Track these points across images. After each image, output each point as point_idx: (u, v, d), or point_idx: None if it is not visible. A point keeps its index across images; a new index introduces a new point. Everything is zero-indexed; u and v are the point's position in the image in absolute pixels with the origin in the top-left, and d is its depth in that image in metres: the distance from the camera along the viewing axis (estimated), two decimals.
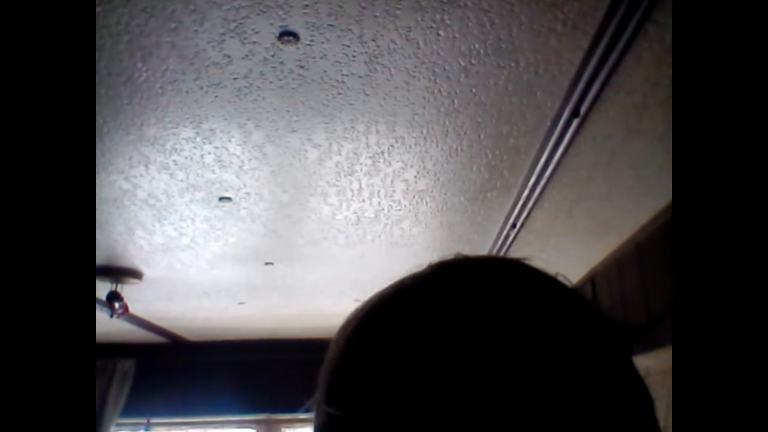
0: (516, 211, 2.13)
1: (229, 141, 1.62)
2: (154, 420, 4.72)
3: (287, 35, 1.19)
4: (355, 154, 1.71)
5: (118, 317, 3.00)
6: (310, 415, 0.37)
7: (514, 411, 0.30)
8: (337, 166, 1.78)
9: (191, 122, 1.52)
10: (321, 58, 1.26)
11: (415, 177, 1.87)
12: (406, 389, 0.31)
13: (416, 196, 2.03)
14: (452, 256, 0.40)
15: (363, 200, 2.05)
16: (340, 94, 1.40)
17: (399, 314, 0.35)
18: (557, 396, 0.32)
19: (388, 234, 2.41)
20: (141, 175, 1.82)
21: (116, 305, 2.89)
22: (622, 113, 1.49)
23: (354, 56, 1.26)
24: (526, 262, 0.39)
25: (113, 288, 2.89)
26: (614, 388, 0.35)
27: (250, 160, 1.73)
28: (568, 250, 2.61)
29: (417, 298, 0.36)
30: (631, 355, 0.38)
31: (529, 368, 0.32)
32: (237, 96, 1.40)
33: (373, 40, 1.21)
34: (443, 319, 0.33)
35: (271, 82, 1.35)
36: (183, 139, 1.60)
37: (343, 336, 0.37)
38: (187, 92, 1.38)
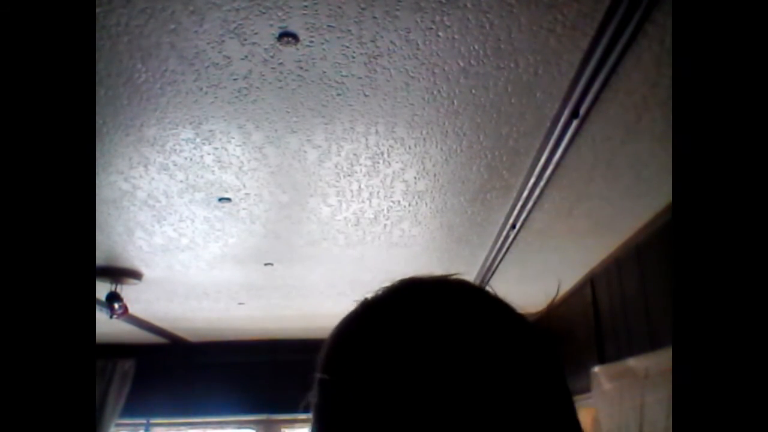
0: (516, 212, 2.13)
1: (229, 142, 1.62)
2: (153, 420, 4.72)
3: (287, 36, 1.19)
4: (354, 154, 1.71)
5: (117, 318, 3.00)
6: (309, 415, 0.49)
7: (447, 388, 0.42)
8: (336, 166, 1.78)
9: (191, 123, 1.52)
10: (320, 59, 1.26)
11: (415, 178, 1.87)
12: (371, 365, 0.45)
13: (416, 197, 2.04)
14: (418, 276, 0.53)
15: (362, 201, 2.05)
16: (339, 95, 1.40)
17: (370, 319, 0.49)
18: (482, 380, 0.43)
19: (388, 235, 2.41)
20: (140, 176, 1.82)
21: (116, 306, 2.89)
22: (621, 114, 1.49)
23: (353, 57, 1.26)
24: (462, 279, 0.52)
25: (113, 288, 2.89)
26: (531, 383, 0.45)
27: (250, 160, 1.73)
28: (568, 251, 2.61)
29: (383, 308, 0.50)
30: (553, 355, 0.48)
31: (461, 356, 0.43)
32: (236, 97, 1.40)
33: (373, 41, 1.21)
34: (400, 323, 0.47)
35: (270, 83, 1.35)
36: (182, 139, 1.60)
37: (333, 332, 0.51)
38: (186, 93, 1.38)
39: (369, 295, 0.52)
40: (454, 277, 0.51)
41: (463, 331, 0.45)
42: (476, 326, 0.46)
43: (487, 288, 0.52)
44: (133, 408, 4.58)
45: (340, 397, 0.45)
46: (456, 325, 0.45)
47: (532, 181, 1.86)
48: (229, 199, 2.02)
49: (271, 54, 1.24)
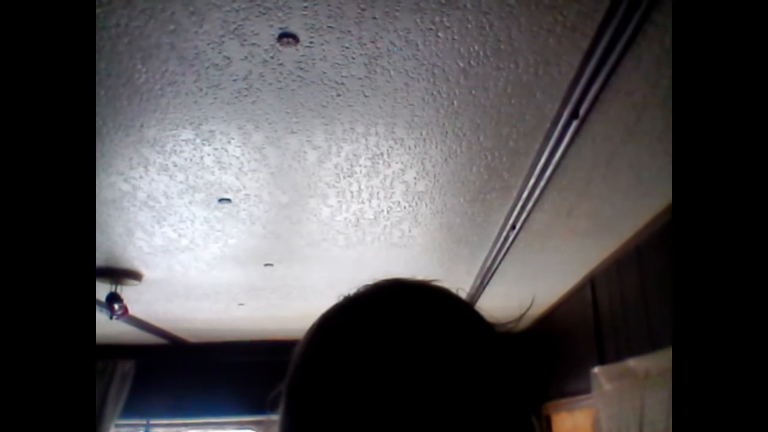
0: (515, 213, 2.13)
1: (229, 142, 1.62)
2: (153, 421, 4.71)
3: (287, 37, 1.19)
4: (354, 155, 1.71)
5: (117, 318, 3.00)
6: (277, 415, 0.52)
7: (414, 395, 0.45)
8: (336, 167, 1.78)
9: (191, 124, 1.52)
10: (320, 59, 1.26)
11: (415, 178, 1.87)
12: (340, 355, 0.48)
13: (416, 198, 2.04)
14: (400, 277, 0.55)
15: (362, 202, 2.05)
16: (339, 95, 1.40)
17: (348, 314, 0.53)
18: (446, 389, 0.45)
19: (388, 235, 2.41)
20: (140, 177, 1.82)
21: (116, 306, 2.89)
22: (621, 114, 1.49)
23: (353, 58, 1.26)
24: (441, 285, 0.55)
25: (113, 289, 2.89)
26: (491, 386, 0.48)
27: (250, 161, 1.73)
28: (568, 252, 2.61)
29: (362, 305, 0.53)
30: (512, 365, 0.51)
31: (426, 364, 0.46)
32: (236, 97, 1.40)
33: (373, 42, 1.21)
34: (375, 320, 0.50)
35: (270, 83, 1.35)
36: (182, 140, 1.60)
37: (312, 325, 0.54)
38: (186, 94, 1.38)
39: (351, 292, 0.55)
40: (434, 283, 0.55)
41: (431, 333, 0.49)
42: (444, 330, 0.50)
43: (460, 293, 0.55)
44: (132, 408, 4.58)
45: (310, 382, 0.49)
46: (426, 327, 0.49)
47: (532, 181, 1.86)
48: (229, 200, 2.02)
49: (271, 55, 1.24)
